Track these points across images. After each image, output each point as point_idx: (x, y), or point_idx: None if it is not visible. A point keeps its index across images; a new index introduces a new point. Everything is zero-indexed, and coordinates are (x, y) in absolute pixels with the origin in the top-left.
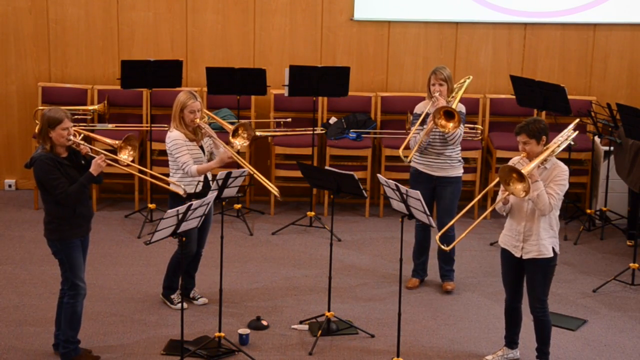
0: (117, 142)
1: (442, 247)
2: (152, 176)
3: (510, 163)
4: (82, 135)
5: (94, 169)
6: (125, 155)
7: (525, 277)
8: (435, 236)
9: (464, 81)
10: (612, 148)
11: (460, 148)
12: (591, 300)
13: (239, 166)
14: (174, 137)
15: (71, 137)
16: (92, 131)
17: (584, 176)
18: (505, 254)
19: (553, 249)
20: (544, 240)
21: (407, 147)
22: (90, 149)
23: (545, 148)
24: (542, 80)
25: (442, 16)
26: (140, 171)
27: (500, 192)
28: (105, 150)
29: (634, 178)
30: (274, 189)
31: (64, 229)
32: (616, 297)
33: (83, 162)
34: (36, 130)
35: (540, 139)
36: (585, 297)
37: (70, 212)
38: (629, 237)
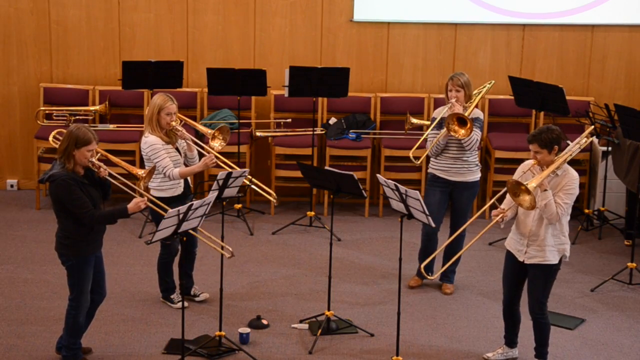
0: (141, 172)
1: (427, 276)
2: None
3: (521, 167)
4: (99, 154)
5: (132, 209)
6: (142, 183)
7: (526, 280)
8: (421, 265)
9: (484, 86)
10: (610, 148)
11: (477, 153)
12: (589, 300)
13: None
14: (151, 142)
15: (92, 159)
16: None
17: (582, 176)
18: (510, 256)
19: (564, 255)
20: (551, 247)
21: (420, 147)
22: (111, 173)
23: (557, 157)
24: (541, 81)
25: (441, 17)
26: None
27: (495, 214)
28: (123, 175)
29: (632, 178)
30: (271, 195)
31: (80, 245)
32: (614, 297)
33: (97, 177)
34: (54, 140)
35: (552, 148)
36: (583, 297)
37: (88, 230)
38: (626, 236)
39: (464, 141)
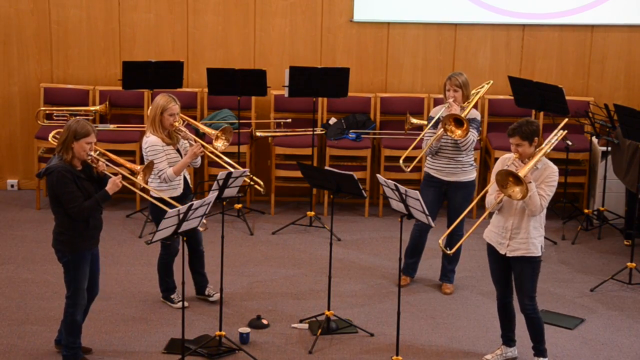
0: (138, 167)
1: (445, 251)
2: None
3: (501, 161)
4: (97, 151)
5: (110, 188)
6: (141, 177)
7: (512, 274)
8: (439, 240)
9: (482, 86)
10: (609, 148)
11: (472, 153)
12: (589, 300)
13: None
14: (152, 142)
15: (91, 153)
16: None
17: (581, 176)
18: (491, 249)
19: (540, 247)
20: (534, 239)
21: (417, 148)
22: (107, 164)
23: (538, 149)
24: (540, 81)
25: (440, 17)
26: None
27: (493, 197)
28: (121, 171)
29: (631, 178)
30: (259, 185)
31: (76, 241)
32: (613, 297)
33: (96, 175)
34: (53, 139)
35: (533, 140)
36: (582, 297)
37: (84, 226)
38: (626, 236)
39: (460, 142)
